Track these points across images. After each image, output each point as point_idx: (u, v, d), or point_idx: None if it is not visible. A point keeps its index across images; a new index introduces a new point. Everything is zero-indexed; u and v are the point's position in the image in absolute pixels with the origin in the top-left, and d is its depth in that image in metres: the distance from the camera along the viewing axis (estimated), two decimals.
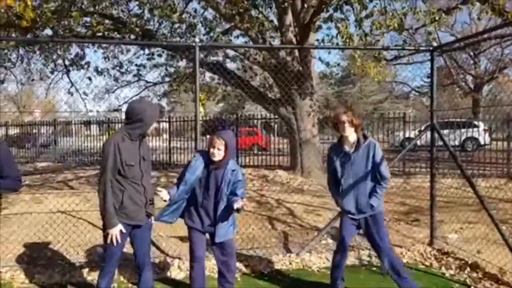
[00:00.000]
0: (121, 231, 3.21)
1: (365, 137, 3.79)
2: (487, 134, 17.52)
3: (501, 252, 4.61)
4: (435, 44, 9.07)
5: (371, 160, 3.71)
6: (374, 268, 4.71)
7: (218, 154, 3.40)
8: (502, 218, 6.29)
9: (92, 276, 4.38)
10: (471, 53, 27.12)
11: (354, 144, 3.76)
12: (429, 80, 5.35)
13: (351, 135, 3.75)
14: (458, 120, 15.68)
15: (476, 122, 18.37)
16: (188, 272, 4.45)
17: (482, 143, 17.07)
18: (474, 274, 4.42)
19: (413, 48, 10.97)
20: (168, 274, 4.52)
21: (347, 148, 3.79)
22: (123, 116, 3.80)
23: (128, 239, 3.40)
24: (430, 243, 5.31)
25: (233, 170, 3.48)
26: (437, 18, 8.20)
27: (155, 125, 3.37)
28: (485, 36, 17.35)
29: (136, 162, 3.24)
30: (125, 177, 3.20)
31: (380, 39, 7.99)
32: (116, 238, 3.18)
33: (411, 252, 5.14)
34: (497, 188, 9.58)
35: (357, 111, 3.75)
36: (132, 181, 3.24)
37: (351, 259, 4.91)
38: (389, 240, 3.87)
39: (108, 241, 3.21)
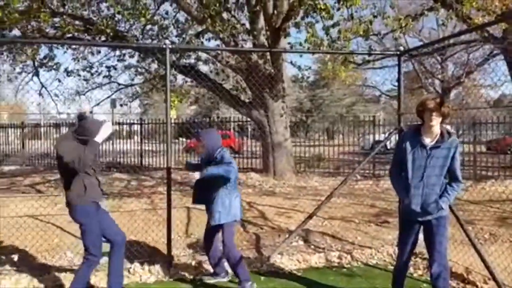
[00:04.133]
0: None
1: (449, 134, 3.40)
2: None
3: (467, 252, 4.73)
4: (402, 49, 9.30)
5: (450, 159, 3.35)
6: (344, 270, 4.78)
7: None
8: (468, 219, 6.50)
9: (60, 281, 4.29)
10: (438, 58, 27.92)
11: (436, 137, 3.38)
12: (397, 84, 5.49)
13: (436, 126, 3.35)
14: None
15: (443, 125, 18.88)
16: (159, 276, 4.48)
17: None
18: None
19: (380, 52, 11.24)
20: (139, 279, 4.47)
21: (426, 140, 3.38)
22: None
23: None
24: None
25: (215, 158, 4.04)
26: (404, 24, 8.43)
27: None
28: (451, 41, 17.93)
29: None
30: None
31: (346, 44, 8.15)
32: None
33: (381, 253, 5.23)
34: (463, 190, 9.90)
35: (446, 102, 3.38)
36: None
37: (321, 260, 4.98)
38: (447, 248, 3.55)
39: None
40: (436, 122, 3.33)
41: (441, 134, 3.38)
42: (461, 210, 6.61)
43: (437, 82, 30.43)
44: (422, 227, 3.55)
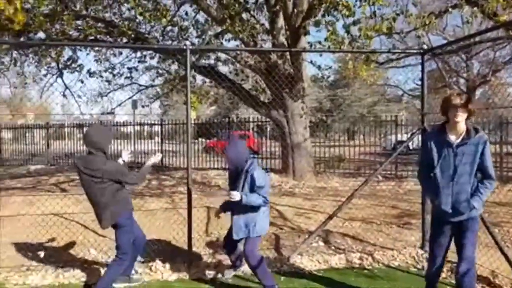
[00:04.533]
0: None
1: (475, 130, 3.27)
2: None
3: (492, 255, 4.61)
4: (426, 47, 9.14)
5: (479, 157, 3.22)
6: (365, 271, 4.72)
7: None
8: (494, 221, 6.34)
9: (85, 277, 4.40)
10: (463, 56, 27.33)
11: (462, 134, 3.26)
12: (421, 83, 5.40)
13: (462, 123, 3.25)
14: None
15: (469, 122, 18.43)
16: (180, 275, 4.54)
17: None
18: None
19: (403, 51, 11.05)
20: (160, 276, 4.52)
21: (452, 138, 3.28)
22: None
23: None
24: (422, 246, 5.31)
25: (246, 171, 3.84)
26: (427, 22, 8.27)
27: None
28: (477, 39, 17.51)
29: None
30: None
31: (368, 42, 8.01)
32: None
33: (403, 255, 5.14)
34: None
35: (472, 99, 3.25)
36: None
37: (341, 262, 4.93)
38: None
39: None
40: (461, 118, 3.22)
41: (467, 131, 3.26)
42: (486, 212, 6.43)
43: (461, 81, 29.80)
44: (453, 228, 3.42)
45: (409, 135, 14.74)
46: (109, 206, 3.77)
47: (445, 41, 20.93)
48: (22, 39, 10.69)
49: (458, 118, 3.22)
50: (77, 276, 4.45)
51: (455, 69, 28.51)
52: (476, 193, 3.24)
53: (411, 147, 13.95)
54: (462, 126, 3.27)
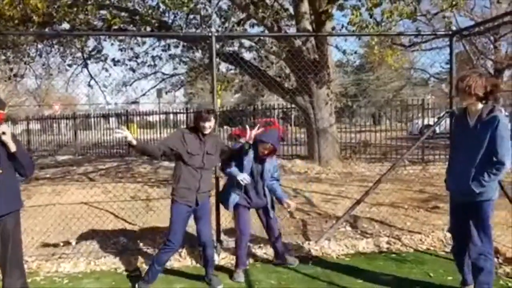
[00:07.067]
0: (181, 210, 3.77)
1: (491, 111, 3.13)
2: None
3: None
4: (454, 29, 8.84)
5: (488, 138, 3.07)
6: (393, 255, 4.71)
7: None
8: None
9: (116, 265, 4.49)
10: (491, 38, 26.42)
11: (477, 116, 3.18)
12: (448, 66, 5.26)
13: (470, 105, 3.20)
14: None
15: (490, 104, 17.91)
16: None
17: None
18: (495, 260, 4.36)
19: (432, 33, 10.74)
20: (189, 263, 4.60)
21: (469, 119, 3.24)
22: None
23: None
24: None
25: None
26: (454, 3, 8.02)
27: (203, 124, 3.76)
28: (506, 19, 16.88)
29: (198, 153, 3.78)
30: (186, 163, 3.77)
31: (392, 26, 7.82)
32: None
33: (430, 239, 5.11)
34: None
35: (481, 80, 3.12)
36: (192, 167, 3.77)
37: (369, 246, 4.93)
38: (491, 243, 3.34)
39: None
40: (466, 101, 3.20)
41: (482, 111, 3.16)
42: None
43: (489, 63, 28.88)
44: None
45: (435, 119, 14.44)
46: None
47: (472, 23, 20.24)
48: (47, 30, 10.86)
49: (461, 101, 3.27)
50: (108, 263, 4.53)
51: (482, 50, 27.61)
52: (478, 177, 3.10)
53: (438, 131, 13.71)
54: (474, 108, 3.21)
